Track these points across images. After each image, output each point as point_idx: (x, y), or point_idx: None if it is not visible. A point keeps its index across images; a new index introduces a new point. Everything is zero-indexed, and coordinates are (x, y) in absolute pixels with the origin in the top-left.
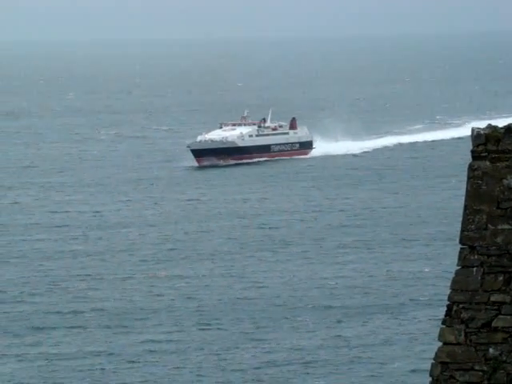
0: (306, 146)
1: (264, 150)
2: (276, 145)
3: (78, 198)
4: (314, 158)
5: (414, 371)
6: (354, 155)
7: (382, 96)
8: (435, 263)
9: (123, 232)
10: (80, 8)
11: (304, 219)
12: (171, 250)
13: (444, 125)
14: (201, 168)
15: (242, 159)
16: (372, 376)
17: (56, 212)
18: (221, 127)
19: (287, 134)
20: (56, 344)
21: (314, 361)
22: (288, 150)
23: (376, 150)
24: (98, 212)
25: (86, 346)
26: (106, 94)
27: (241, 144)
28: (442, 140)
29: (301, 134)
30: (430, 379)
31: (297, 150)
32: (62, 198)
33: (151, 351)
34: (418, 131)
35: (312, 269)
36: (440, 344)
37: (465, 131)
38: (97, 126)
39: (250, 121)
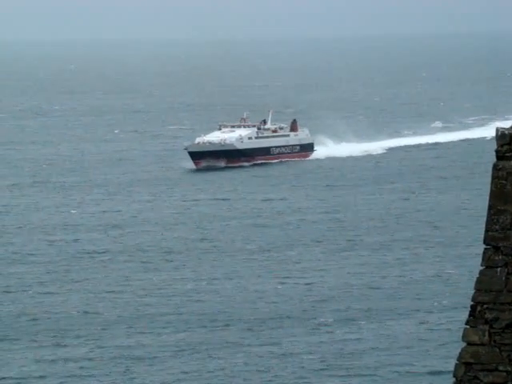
0: (307, 148)
1: (264, 152)
2: (276, 147)
3: (78, 199)
4: (315, 161)
5: (437, 372)
6: (357, 157)
7: (390, 97)
8: (458, 264)
9: (122, 233)
10: (84, 7)
11: (317, 220)
12: (184, 250)
13: (457, 125)
14: (198, 170)
15: (240, 162)
16: (395, 378)
17: (63, 212)
18: (220, 129)
19: (288, 136)
20: (70, 345)
21: (333, 363)
22: (288, 153)
23: (382, 152)
24: (93, 213)
25: (101, 347)
26: (115, 94)
27: (240, 146)
28: (452, 142)
29: (302, 136)
30: (454, 380)
31: (297, 152)
32: (64, 198)
33: (169, 351)
34: (428, 132)
35: (329, 270)
36: (464, 344)
37: (479, 132)
38: (103, 127)
39: (249, 122)
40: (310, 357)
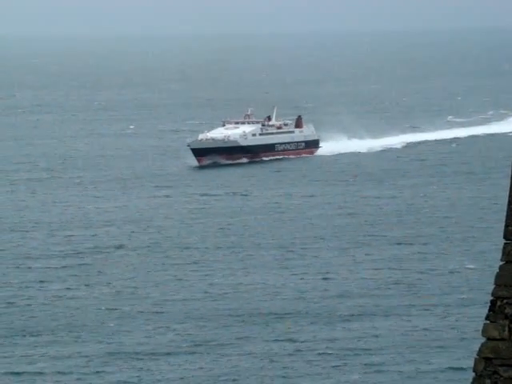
0: (312, 144)
1: (268, 149)
2: (281, 144)
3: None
4: (320, 157)
5: (457, 368)
6: (362, 153)
7: (398, 93)
8: (478, 259)
9: (110, 230)
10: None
11: (334, 215)
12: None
13: (475, 119)
14: (202, 167)
15: (244, 159)
16: (414, 374)
17: (80, 208)
18: (223, 125)
19: (292, 132)
20: (88, 341)
21: (351, 359)
22: (293, 149)
23: (392, 148)
24: (108, 208)
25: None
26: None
27: (243, 143)
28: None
29: (307, 132)
30: (474, 375)
31: (302, 149)
32: (79, 193)
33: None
34: (445, 127)
35: (347, 265)
36: (484, 340)
37: (497, 127)
38: (106, 122)
39: (253, 119)
40: (329, 351)
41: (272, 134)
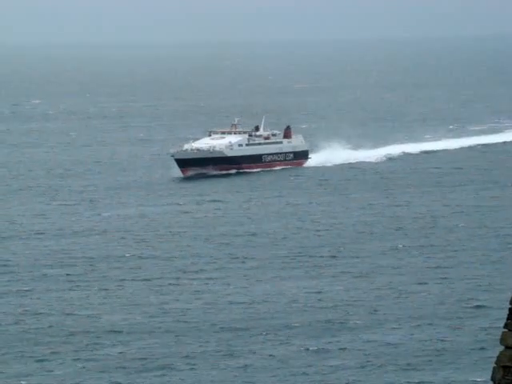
0: (301, 155)
1: (255, 159)
2: (268, 154)
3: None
4: (308, 168)
5: (475, 376)
6: (352, 164)
7: (392, 102)
8: (496, 268)
9: (149, 237)
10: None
11: (348, 224)
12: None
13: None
14: (186, 179)
15: (230, 170)
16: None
17: (91, 216)
18: (210, 135)
19: (280, 143)
20: (106, 348)
21: (368, 366)
22: (281, 160)
23: (388, 159)
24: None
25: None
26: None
27: (229, 154)
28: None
29: (295, 143)
30: (492, 383)
31: (291, 160)
32: (85, 202)
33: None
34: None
35: (362, 275)
36: (502, 348)
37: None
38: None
39: (240, 129)
40: (349, 358)
41: (259, 144)
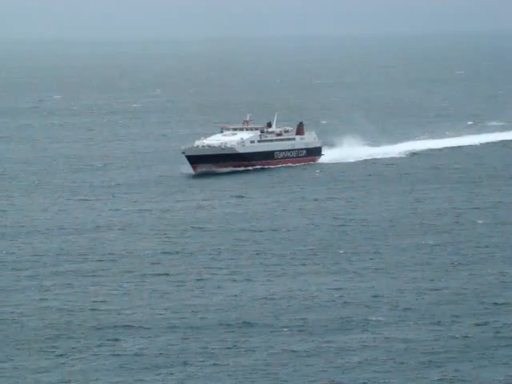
0: (314, 152)
1: (267, 156)
2: (280, 151)
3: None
4: (323, 165)
5: (501, 373)
6: (368, 161)
7: (405, 99)
8: None
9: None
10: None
11: (368, 221)
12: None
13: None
14: (197, 176)
15: (241, 166)
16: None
17: (110, 211)
18: (221, 132)
19: (293, 139)
20: (124, 342)
21: (389, 363)
22: (294, 157)
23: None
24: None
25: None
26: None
27: (241, 150)
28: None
29: (308, 139)
30: None
31: (304, 156)
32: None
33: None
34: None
35: (383, 271)
36: None
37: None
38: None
39: (252, 125)
40: (364, 356)
41: (271, 141)
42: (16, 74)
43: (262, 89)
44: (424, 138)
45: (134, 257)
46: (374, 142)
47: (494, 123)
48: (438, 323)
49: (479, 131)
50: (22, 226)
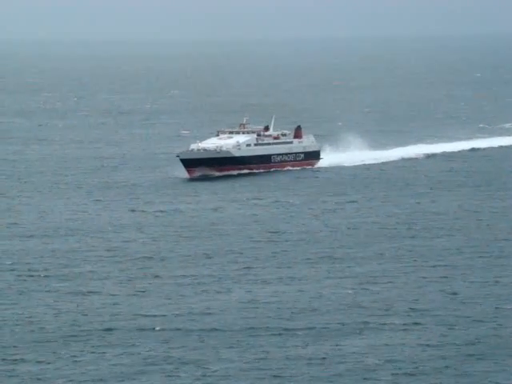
0: (313, 156)
1: (264, 160)
2: (277, 155)
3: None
4: (321, 169)
5: None
6: (367, 165)
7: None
8: None
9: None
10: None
11: (382, 223)
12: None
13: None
14: (192, 180)
15: (237, 170)
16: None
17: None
18: (217, 135)
19: (291, 143)
20: (141, 347)
21: (404, 368)
22: (291, 161)
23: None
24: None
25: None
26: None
27: (237, 154)
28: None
29: (306, 143)
30: None
31: (301, 160)
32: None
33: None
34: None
35: (399, 275)
36: None
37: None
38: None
39: (249, 128)
40: (384, 363)
41: (268, 144)
42: (31, 75)
43: (262, 91)
44: (435, 142)
45: (151, 258)
46: (379, 145)
47: (506, 125)
48: (453, 327)
49: (493, 134)
50: (38, 227)
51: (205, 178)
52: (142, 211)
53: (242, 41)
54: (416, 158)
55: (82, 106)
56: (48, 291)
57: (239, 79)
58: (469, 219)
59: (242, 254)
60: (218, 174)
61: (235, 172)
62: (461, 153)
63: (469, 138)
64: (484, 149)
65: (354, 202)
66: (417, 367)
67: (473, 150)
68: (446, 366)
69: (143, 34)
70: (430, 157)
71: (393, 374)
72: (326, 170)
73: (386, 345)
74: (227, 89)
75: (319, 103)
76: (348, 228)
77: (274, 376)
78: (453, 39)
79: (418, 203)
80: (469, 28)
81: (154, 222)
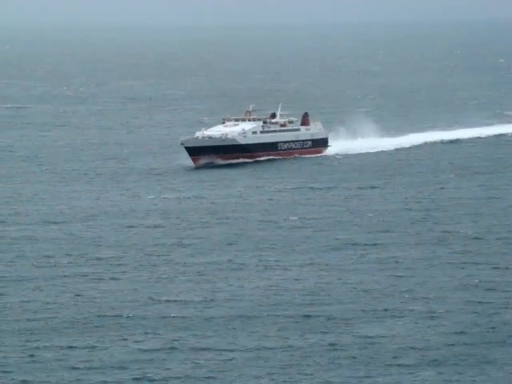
0: (320, 143)
1: (270, 148)
2: (284, 142)
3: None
4: (328, 157)
5: None
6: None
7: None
8: None
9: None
10: None
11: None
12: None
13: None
14: (197, 168)
15: (243, 158)
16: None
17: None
18: (223, 122)
19: (298, 130)
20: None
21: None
22: (298, 148)
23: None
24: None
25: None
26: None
27: (242, 141)
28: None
29: (314, 130)
30: None
31: (309, 148)
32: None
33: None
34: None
35: (417, 263)
36: None
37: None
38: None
39: (255, 116)
40: (405, 352)
41: (274, 131)
42: (50, 61)
43: (283, 77)
44: (452, 128)
45: (166, 247)
46: (392, 133)
47: None
48: (476, 314)
49: (508, 121)
50: (61, 213)
51: (224, 166)
52: (164, 198)
53: (257, 26)
54: (435, 144)
55: (104, 91)
56: (70, 276)
57: (259, 65)
58: (492, 205)
59: (265, 239)
60: (223, 162)
61: (241, 160)
62: (481, 139)
63: (490, 124)
64: (506, 134)
65: (375, 187)
66: (440, 354)
67: (495, 136)
68: (469, 354)
69: (160, 20)
70: (446, 143)
71: (416, 361)
72: (344, 156)
73: (408, 332)
74: (249, 74)
75: (335, 90)
76: (370, 214)
77: (294, 364)
78: (478, 23)
79: (442, 188)
80: (494, 12)
81: (176, 208)
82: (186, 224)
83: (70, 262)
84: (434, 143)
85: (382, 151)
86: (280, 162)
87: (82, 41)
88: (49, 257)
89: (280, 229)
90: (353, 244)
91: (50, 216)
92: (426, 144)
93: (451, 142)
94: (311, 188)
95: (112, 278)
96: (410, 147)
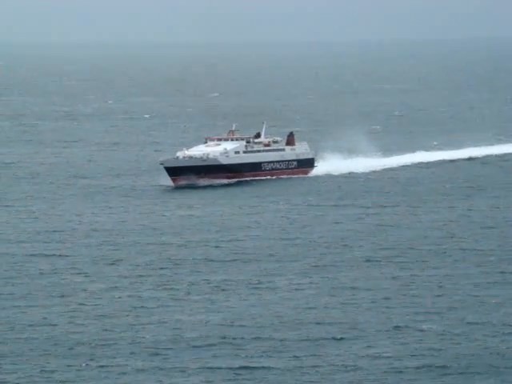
0: (306, 164)
1: (254, 168)
2: (268, 162)
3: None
4: (315, 178)
5: None
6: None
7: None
8: None
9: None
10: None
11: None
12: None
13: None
14: (177, 188)
15: (225, 178)
16: None
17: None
18: (205, 142)
19: (283, 150)
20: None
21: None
22: (283, 169)
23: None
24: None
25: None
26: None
27: (224, 161)
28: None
29: (299, 150)
30: None
31: (294, 168)
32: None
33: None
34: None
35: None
36: None
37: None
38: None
39: (238, 135)
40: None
41: (258, 151)
42: (64, 79)
43: (287, 95)
44: (441, 149)
45: (179, 264)
46: (387, 152)
47: None
48: (486, 337)
49: (505, 141)
50: (61, 231)
51: (206, 186)
52: (162, 215)
53: (252, 43)
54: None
55: (118, 108)
56: (80, 291)
57: (262, 82)
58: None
59: (273, 256)
60: (204, 182)
61: (224, 181)
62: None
63: (491, 144)
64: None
65: (379, 206)
66: (463, 368)
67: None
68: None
69: (153, 36)
70: (439, 164)
71: (431, 378)
72: (337, 176)
73: (421, 348)
74: (252, 92)
75: (341, 110)
76: (379, 231)
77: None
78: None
79: (452, 207)
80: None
81: (181, 226)
82: (190, 242)
83: (78, 274)
84: (441, 162)
85: (373, 171)
86: (264, 182)
87: (84, 57)
88: (58, 273)
89: (286, 247)
90: (365, 260)
91: (52, 233)
92: (432, 163)
93: (451, 161)
94: (317, 205)
95: (119, 295)
96: (403, 166)
